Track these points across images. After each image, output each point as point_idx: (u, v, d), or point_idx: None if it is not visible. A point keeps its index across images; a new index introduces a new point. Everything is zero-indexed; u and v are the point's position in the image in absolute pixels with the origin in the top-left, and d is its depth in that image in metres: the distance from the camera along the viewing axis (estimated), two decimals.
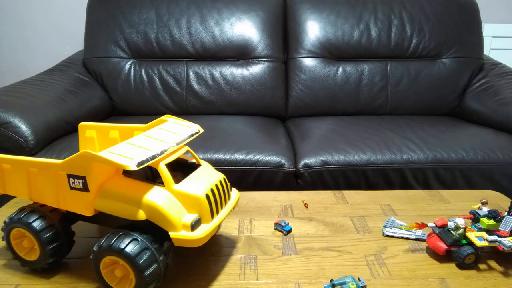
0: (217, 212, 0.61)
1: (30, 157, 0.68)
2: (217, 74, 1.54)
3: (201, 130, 0.69)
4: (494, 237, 0.64)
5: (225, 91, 1.53)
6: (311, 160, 1.14)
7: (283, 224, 0.76)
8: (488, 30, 1.83)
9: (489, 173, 1.14)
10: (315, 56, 1.55)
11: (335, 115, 1.54)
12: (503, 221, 0.67)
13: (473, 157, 1.15)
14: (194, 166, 0.66)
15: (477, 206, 0.72)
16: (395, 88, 1.55)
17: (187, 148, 0.66)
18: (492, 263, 0.67)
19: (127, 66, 1.54)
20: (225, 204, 0.64)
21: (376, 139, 1.22)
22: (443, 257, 0.68)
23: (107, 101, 1.52)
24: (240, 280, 0.62)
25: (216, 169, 0.92)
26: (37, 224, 0.60)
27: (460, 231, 0.65)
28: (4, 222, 0.62)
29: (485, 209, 0.71)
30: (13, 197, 0.90)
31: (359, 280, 0.60)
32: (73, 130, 1.29)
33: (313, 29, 1.55)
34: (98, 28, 1.55)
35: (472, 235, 0.65)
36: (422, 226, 0.68)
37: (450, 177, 1.14)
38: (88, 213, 0.58)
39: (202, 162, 0.67)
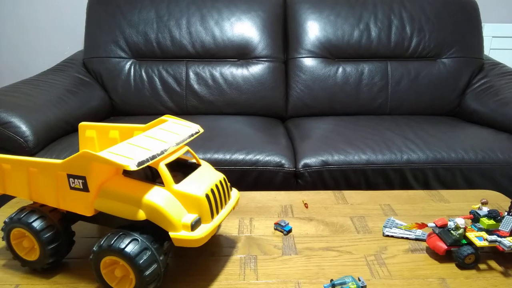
0: (217, 212, 0.61)
1: (30, 157, 0.68)
2: (217, 74, 1.54)
3: (201, 130, 0.69)
4: (494, 237, 0.64)
5: (225, 91, 1.53)
6: (311, 160, 1.14)
7: (283, 224, 0.76)
8: (488, 30, 1.83)
9: (489, 173, 1.14)
10: (315, 56, 1.55)
11: (335, 115, 1.54)
12: (503, 221, 0.67)
13: (473, 157, 1.15)
14: (194, 166, 0.66)
15: (477, 206, 0.72)
16: (395, 88, 1.55)
17: (187, 148, 0.66)
18: (492, 263, 0.67)
19: (127, 66, 1.54)
20: (225, 204, 0.64)
21: (376, 139, 1.22)
22: (443, 257, 0.68)
23: (107, 101, 1.52)
24: (240, 280, 0.62)
25: (216, 169, 0.92)
26: (37, 224, 0.60)
27: (460, 231, 0.65)
28: (4, 222, 0.62)
29: (485, 209, 0.71)
30: (13, 197, 0.90)
31: (359, 280, 0.60)
32: (73, 130, 1.29)
33: (313, 29, 1.55)
34: (98, 28, 1.55)
35: (472, 235, 0.65)
36: (422, 226, 0.68)
37: (450, 177, 1.14)
38: (88, 213, 0.58)
39: (202, 162, 0.67)
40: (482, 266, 0.66)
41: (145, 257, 0.54)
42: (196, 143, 1.15)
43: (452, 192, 0.93)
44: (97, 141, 0.75)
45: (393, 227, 0.76)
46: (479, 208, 0.72)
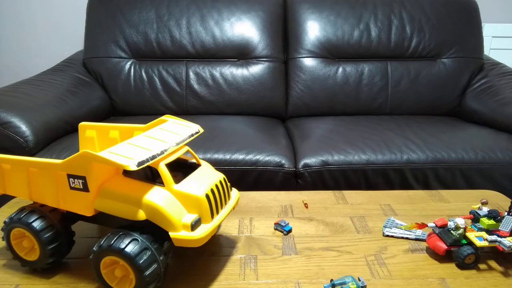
0: (217, 212, 0.61)
1: (30, 157, 0.68)
2: (217, 74, 1.54)
3: (201, 130, 0.69)
4: (494, 237, 0.64)
5: (225, 91, 1.53)
6: (311, 160, 1.14)
7: (283, 224, 0.76)
8: (488, 30, 1.83)
9: (489, 173, 1.14)
10: (315, 56, 1.55)
11: (335, 115, 1.54)
12: (503, 221, 0.67)
13: (473, 157, 1.15)
14: (194, 166, 0.66)
15: (477, 206, 0.72)
16: (395, 88, 1.55)
17: (187, 148, 0.66)
18: (492, 263, 0.67)
19: (127, 66, 1.54)
20: (225, 204, 0.64)
21: (376, 139, 1.22)
22: (443, 257, 0.68)
23: (107, 101, 1.52)
24: (240, 280, 0.62)
25: (216, 169, 0.92)
26: (37, 224, 0.60)
27: (460, 231, 0.65)
28: (4, 222, 0.62)
29: (485, 209, 0.71)
30: (13, 197, 0.90)
31: (359, 280, 0.60)
32: (73, 130, 1.29)
33: (313, 29, 1.55)
34: (98, 28, 1.55)
35: (472, 235, 0.65)
36: (422, 226, 0.68)
37: (450, 177, 1.14)
38: (88, 213, 0.58)
39: (202, 162, 0.67)
40: (482, 266, 0.66)
41: (145, 257, 0.54)
42: (196, 143, 1.15)
43: (452, 192, 0.93)
44: (97, 141, 0.75)
45: (393, 227, 0.76)
46: (479, 208, 0.72)
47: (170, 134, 0.64)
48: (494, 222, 0.67)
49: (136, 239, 0.54)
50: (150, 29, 1.53)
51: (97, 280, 0.57)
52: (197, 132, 0.68)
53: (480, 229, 0.67)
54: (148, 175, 0.67)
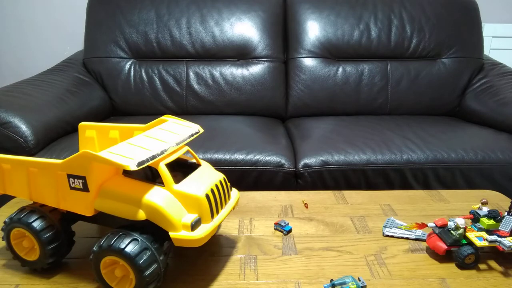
0: (217, 212, 0.61)
1: (30, 157, 0.68)
2: (217, 74, 1.54)
3: (201, 130, 0.69)
4: (494, 237, 0.64)
5: (225, 91, 1.53)
6: (311, 160, 1.14)
7: (283, 224, 0.76)
8: (488, 30, 1.83)
9: (489, 173, 1.14)
10: (315, 56, 1.55)
11: (335, 115, 1.54)
12: (503, 221, 0.67)
13: (473, 157, 1.15)
14: (194, 166, 0.66)
15: (477, 206, 0.72)
16: (395, 88, 1.55)
17: (187, 148, 0.66)
18: (492, 263, 0.67)
19: (127, 66, 1.54)
20: (225, 204, 0.64)
21: (376, 139, 1.22)
22: (443, 257, 0.68)
23: (107, 101, 1.52)
24: (240, 280, 0.62)
25: (216, 169, 0.92)
26: (37, 224, 0.60)
27: (460, 231, 0.65)
28: (4, 222, 0.62)
29: (485, 209, 0.71)
30: (13, 197, 0.90)
31: (359, 280, 0.60)
32: (73, 130, 1.29)
33: (313, 29, 1.55)
34: (98, 28, 1.55)
35: (472, 235, 0.65)
36: (422, 226, 0.68)
37: (450, 177, 1.14)
38: (88, 213, 0.58)
39: (202, 162, 0.67)
40: (482, 266, 0.66)
41: (145, 257, 0.54)
42: (196, 143, 1.15)
43: (452, 192, 0.93)
44: (97, 141, 0.75)
45: (393, 227, 0.76)
46: (479, 208, 0.72)
47: (170, 134, 0.64)
48: (494, 222, 0.67)
49: (136, 239, 0.54)
50: (150, 29, 1.53)
51: (97, 280, 0.57)
52: (197, 132, 0.68)
53: (480, 229, 0.67)
54: (148, 175, 0.67)
